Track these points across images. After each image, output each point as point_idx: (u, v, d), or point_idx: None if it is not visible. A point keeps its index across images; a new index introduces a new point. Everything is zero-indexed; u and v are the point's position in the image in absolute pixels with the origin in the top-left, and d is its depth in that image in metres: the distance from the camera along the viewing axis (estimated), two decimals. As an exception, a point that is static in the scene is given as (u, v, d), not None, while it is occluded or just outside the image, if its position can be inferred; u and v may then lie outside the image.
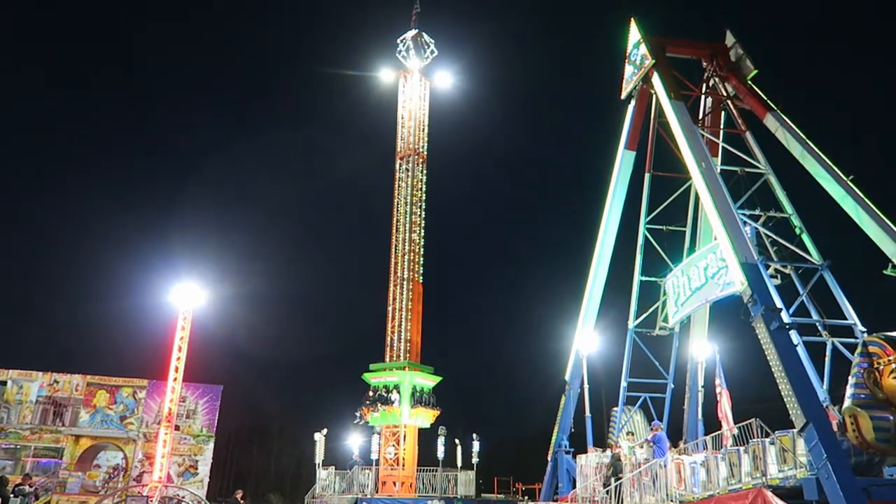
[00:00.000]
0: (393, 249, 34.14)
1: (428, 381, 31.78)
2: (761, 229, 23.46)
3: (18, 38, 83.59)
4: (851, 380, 14.94)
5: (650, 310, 27.40)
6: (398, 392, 30.68)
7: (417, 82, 36.98)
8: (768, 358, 16.20)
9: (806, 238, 23.49)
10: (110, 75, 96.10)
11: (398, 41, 37.60)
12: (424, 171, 35.73)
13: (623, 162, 28.36)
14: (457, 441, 29.47)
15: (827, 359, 21.03)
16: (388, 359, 32.55)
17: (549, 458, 27.02)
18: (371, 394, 31.23)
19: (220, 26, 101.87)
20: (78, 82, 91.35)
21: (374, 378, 31.45)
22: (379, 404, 30.59)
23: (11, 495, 17.88)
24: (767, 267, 21.81)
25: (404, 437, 30.79)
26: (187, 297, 26.96)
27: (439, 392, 32.18)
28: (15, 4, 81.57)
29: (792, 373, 15.50)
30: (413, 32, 37.46)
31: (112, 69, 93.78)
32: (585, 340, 27.15)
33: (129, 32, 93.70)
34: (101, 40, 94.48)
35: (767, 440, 15.22)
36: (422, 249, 34.28)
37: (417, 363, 32.14)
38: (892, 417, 14.09)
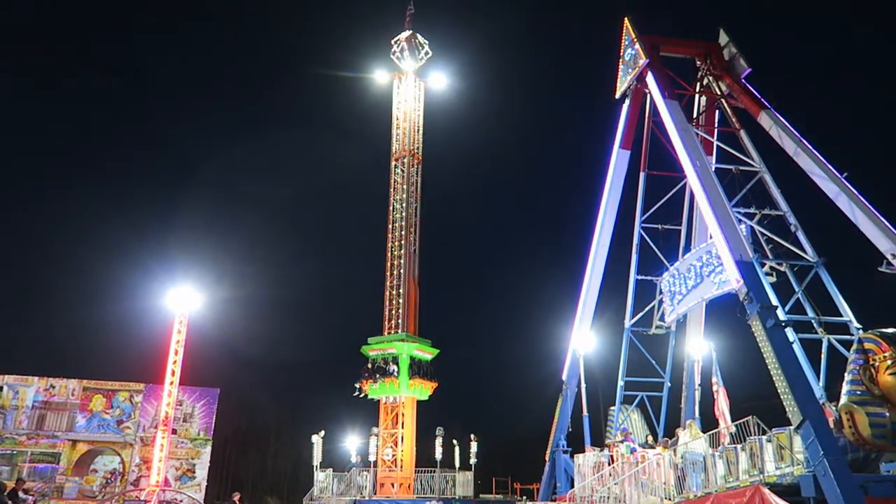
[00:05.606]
0: (389, 251, 34.15)
1: (426, 353, 31.88)
2: (756, 227, 23.53)
3: (16, 39, 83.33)
4: (847, 377, 15.00)
5: (646, 309, 27.48)
6: (396, 364, 30.74)
7: (412, 83, 36.99)
8: (764, 355, 16.25)
9: (801, 235, 23.55)
10: (107, 78, 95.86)
11: (392, 42, 37.59)
12: (420, 172, 35.78)
13: (618, 161, 28.41)
14: (454, 442, 29.49)
15: (823, 356, 21.08)
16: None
17: (546, 458, 27.06)
18: (369, 366, 31.29)
19: (216, 29, 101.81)
20: (75, 84, 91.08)
21: (373, 351, 31.51)
22: (378, 376, 30.65)
23: (10, 501, 17.78)
24: (763, 265, 21.88)
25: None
26: (184, 301, 26.95)
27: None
28: (14, 3, 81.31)
29: (788, 370, 15.54)
30: (407, 33, 37.42)
31: (109, 71, 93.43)
32: (582, 340, 27.19)
33: (127, 35, 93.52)
34: (99, 42, 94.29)
35: (764, 438, 15.26)
36: (417, 250, 34.30)
37: (415, 336, 32.23)
38: (888, 414, 14.17)
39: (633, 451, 20.25)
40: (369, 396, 31.25)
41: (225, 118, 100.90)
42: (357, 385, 31.31)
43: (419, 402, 31.92)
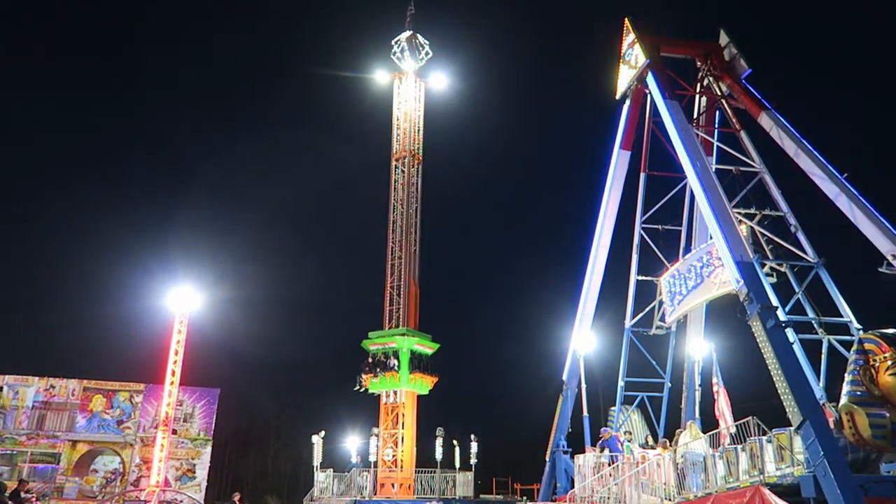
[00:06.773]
0: (389, 251, 34.17)
1: (427, 348, 31.96)
2: (756, 228, 23.53)
3: (17, 39, 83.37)
4: (847, 377, 14.98)
5: (647, 309, 27.48)
6: (397, 358, 30.84)
7: (412, 84, 37.00)
8: (765, 356, 16.24)
9: (801, 236, 23.54)
10: (108, 79, 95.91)
11: (393, 42, 37.61)
12: (420, 172, 35.81)
13: (618, 162, 28.41)
14: (455, 442, 29.49)
15: (823, 356, 21.06)
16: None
17: (547, 459, 27.06)
18: (370, 360, 31.36)
19: (216, 29, 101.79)
20: (75, 85, 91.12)
21: (374, 345, 31.60)
22: (378, 370, 30.73)
23: (11, 502, 17.78)
24: (763, 265, 21.86)
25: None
26: (184, 301, 26.94)
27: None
28: (17, 5, 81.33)
29: (788, 371, 15.53)
30: (408, 34, 37.44)
31: (109, 73, 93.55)
32: (582, 340, 27.18)
33: (127, 34, 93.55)
34: (98, 42, 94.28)
35: (765, 438, 15.25)
36: (418, 250, 34.32)
37: (416, 330, 32.28)
38: (887, 414, 14.15)
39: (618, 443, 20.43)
40: (370, 390, 31.31)
41: (225, 118, 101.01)
42: (358, 379, 31.38)
43: (420, 403, 31.94)
